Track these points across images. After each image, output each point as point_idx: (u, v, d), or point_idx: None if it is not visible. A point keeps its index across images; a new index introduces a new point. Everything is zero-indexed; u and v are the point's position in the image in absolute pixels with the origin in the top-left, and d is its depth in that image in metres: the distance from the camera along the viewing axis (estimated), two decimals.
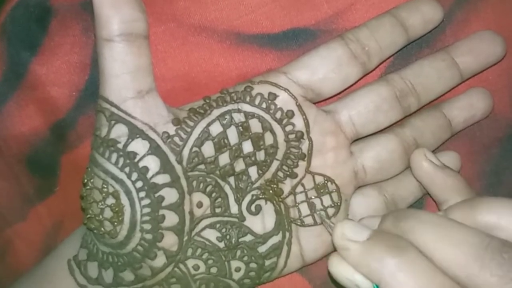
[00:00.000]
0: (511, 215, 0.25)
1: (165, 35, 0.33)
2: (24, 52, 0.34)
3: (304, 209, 0.32)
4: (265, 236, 0.32)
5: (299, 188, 0.32)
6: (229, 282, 0.32)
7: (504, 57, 0.33)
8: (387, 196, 0.33)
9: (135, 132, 0.29)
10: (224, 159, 0.31)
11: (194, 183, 0.30)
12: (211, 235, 0.31)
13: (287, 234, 0.32)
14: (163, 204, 0.29)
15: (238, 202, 0.31)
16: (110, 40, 0.28)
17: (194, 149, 0.30)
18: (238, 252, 0.32)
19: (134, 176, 0.29)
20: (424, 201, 0.35)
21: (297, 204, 0.32)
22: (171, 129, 0.30)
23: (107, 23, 0.28)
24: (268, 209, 0.32)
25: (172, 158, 0.30)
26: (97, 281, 0.31)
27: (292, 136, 0.31)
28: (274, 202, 0.32)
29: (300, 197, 0.32)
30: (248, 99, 0.31)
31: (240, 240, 0.31)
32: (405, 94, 0.32)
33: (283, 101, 0.31)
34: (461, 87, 0.34)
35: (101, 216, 0.29)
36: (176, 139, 0.30)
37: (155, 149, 0.29)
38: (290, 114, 0.31)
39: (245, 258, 0.32)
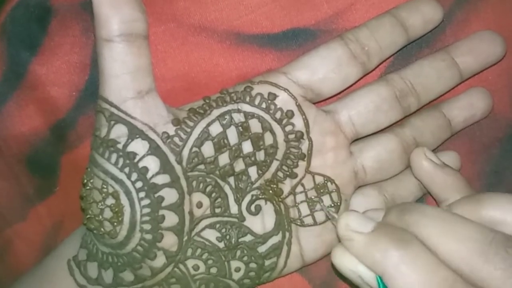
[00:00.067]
0: None
1: (165, 35, 0.33)
2: (24, 52, 0.34)
3: (304, 209, 0.32)
4: (265, 236, 0.32)
5: (299, 188, 0.32)
6: (229, 282, 0.32)
7: (504, 57, 0.33)
8: (387, 196, 0.33)
9: (134, 133, 0.29)
10: (224, 159, 0.31)
11: (194, 183, 0.30)
12: (211, 235, 0.31)
13: (287, 234, 0.32)
14: (163, 204, 0.29)
15: (238, 202, 0.31)
16: (109, 40, 0.28)
17: (194, 149, 0.30)
18: (238, 252, 0.32)
19: (134, 176, 0.29)
20: (424, 200, 0.35)
21: (297, 204, 0.32)
22: (171, 129, 0.30)
23: (107, 23, 0.28)
24: (268, 209, 0.32)
25: (172, 158, 0.30)
26: (97, 281, 0.31)
27: (292, 136, 0.31)
28: (274, 202, 0.32)
29: (300, 197, 0.32)
30: (248, 99, 0.31)
31: (240, 240, 0.31)
32: (405, 94, 0.32)
33: (283, 101, 0.31)
34: (461, 87, 0.34)
35: (101, 217, 0.29)
36: (176, 139, 0.30)
37: (155, 150, 0.29)
38: (290, 114, 0.31)
39: (245, 258, 0.32)
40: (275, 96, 0.31)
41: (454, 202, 0.27)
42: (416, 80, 0.33)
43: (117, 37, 0.28)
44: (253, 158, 0.31)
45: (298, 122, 0.31)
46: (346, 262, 0.25)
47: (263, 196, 0.32)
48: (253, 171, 0.31)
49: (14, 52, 0.34)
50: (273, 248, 0.32)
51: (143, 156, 0.29)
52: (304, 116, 0.31)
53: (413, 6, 0.32)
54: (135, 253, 0.30)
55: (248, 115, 0.31)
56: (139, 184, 0.29)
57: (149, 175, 0.29)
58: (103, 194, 0.29)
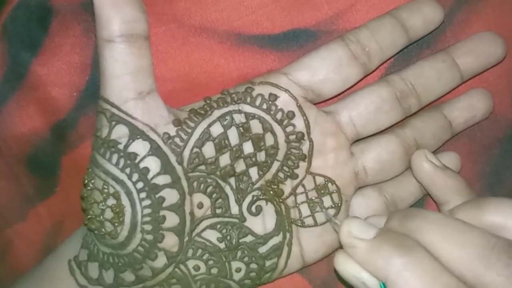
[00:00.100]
0: None
1: (166, 35, 0.33)
2: (25, 53, 0.34)
3: (305, 209, 0.32)
4: (266, 237, 0.32)
5: (300, 189, 0.32)
6: (229, 282, 0.32)
7: (504, 58, 0.33)
8: (387, 197, 0.33)
9: (135, 133, 0.29)
10: (224, 160, 0.31)
11: (195, 184, 0.30)
12: (212, 235, 0.31)
13: (288, 235, 0.32)
14: (164, 205, 0.29)
15: (239, 202, 0.31)
16: (111, 41, 0.28)
17: (195, 150, 0.30)
18: (239, 253, 0.32)
19: (135, 177, 0.29)
20: (425, 201, 0.35)
21: (297, 205, 0.32)
22: (172, 130, 0.30)
23: (108, 24, 0.28)
24: (269, 209, 0.32)
25: (172, 159, 0.30)
26: (97, 282, 0.31)
27: (292, 137, 0.31)
28: (275, 202, 0.32)
29: (301, 198, 0.32)
30: (248, 100, 0.31)
31: (240, 240, 0.31)
32: (405, 95, 0.32)
33: (284, 102, 0.31)
34: (461, 88, 0.34)
35: (101, 217, 0.29)
36: (177, 140, 0.30)
37: (155, 150, 0.29)
38: (290, 115, 0.31)
39: (246, 259, 0.32)
40: (276, 97, 0.31)
41: (455, 207, 0.27)
42: (417, 81, 0.33)
43: (118, 37, 0.28)
44: (254, 159, 0.31)
45: (299, 123, 0.31)
46: (349, 268, 0.25)
47: (264, 197, 0.32)
48: (254, 172, 0.31)
49: (14, 52, 0.34)
50: (273, 248, 0.32)
51: (144, 157, 0.29)
52: (305, 117, 0.31)
53: (413, 7, 0.32)
54: (136, 253, 0.30)
55: (249, 116, 0.31)
56: (140, 185, 0.29)
57: (150, 175, 0.29)
58: (104, 195, 0.29)
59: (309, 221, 0.32)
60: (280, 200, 0.32)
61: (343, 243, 0.26)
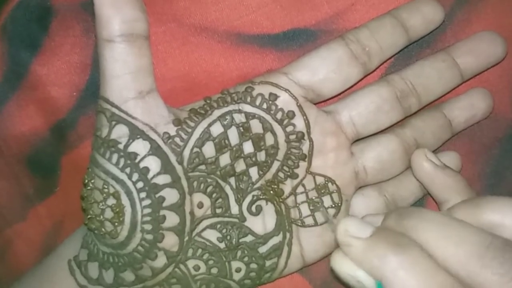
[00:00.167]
0: None
1: (166, 35, 0.33)
2: (25, 53, 0.34)
3: (305, 209, 0.32)
4: (266, 237, 0.32)
5: (300, 189, 0.32)
6: (229, 282, 0.32)
7: (504, 57, 0.33)
8: (387, 197, 0.33)
9: (135, 133, 0.29)
10: (225, 159, 0.31)
11: (195, 183, 0.30)
12: (212, 235, 0.31)
13: (288, 235, 0.32)
14: (164, 204, 0.29)
15: (239, 202, 0.31)
16: (111, 41, 0.28)
17: (195, 149, 0.30)
18: (239, 253, 0.32)
19: (135, 176, 0.29)
20: (425, 201, 0.35)
21: (297, 205, 0.32)
22: (172, 130, 0.30)
23: (108, 24, 0.28)
24: (269, 209, 0.32)
25: (173, 158, 0.30)
26: (97, 282, 0.31)
27: (292, 137, 0.31)
28: (275, 202, 0.32)
29: (301, 198, 0.32)
30: (249, 99, 0.31)
31: (240, 240, 0.31)
32: (405, 95, 0.32)
33: (284, 101, 0.31)
34: (461, 87, 0.34)
35: (101, 217, 0.29)
36: (177, 139, 0.30)
37: (155, 150, 0.29)
38: (290, 115, 0.31)
39: (246, 259, 0.32)
40: (276, 96, 0.31)
41: (453, 206, 0.27)
42: (417, 80, 0.33)
43: (118, 37, 0.28)
44: (254, 159, 0.31)
45: (299, 123, 0.31)
46: (345, 267, 0.25)
47: (264, 197, 0.32)
48: (254, 172, 0.31)
49: (14, 52, 0.34)
50: (273, 248, 0.32)
51: (144, 157, 0.29)
52: (305, 117, 0.31)
53: (414, 6, 0.32)
54: (136, 253, 0.30)
55: (249, 116, 0.31)
56: (140, 185, 0.29)
57: (150, 175, 0.29)
58: (104, 194, 0.29)
59: (309, 220, 0.32)
60: (280, 200, 0.32)
61: (339, 242, 0.26)
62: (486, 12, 0.34)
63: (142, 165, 0.29)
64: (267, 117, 0.31)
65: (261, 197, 0.32)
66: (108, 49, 0.29)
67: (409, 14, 0.32)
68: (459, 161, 0.34)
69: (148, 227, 0.29)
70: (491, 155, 0.35)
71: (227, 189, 0.31)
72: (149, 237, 0.29)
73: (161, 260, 0.30)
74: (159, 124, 0.30)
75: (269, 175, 0.32)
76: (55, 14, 0.34)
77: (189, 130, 0.30)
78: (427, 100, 0.33)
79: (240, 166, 0.31)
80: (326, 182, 0.32)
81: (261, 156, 0.31)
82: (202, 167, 0.30)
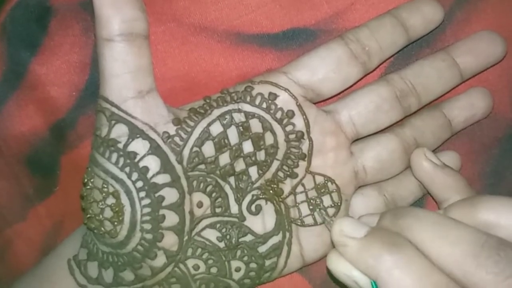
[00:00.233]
0: (510, 213, 0.25)
1: (165, 35, 0.34)
2: (24, 52, 0.34)
3: (304, 209, 0.32)
4: (265, 236, 0.32)
5: (300, 188, 0.32)
6: (229, 282, 0.32)
7: (504, 57, 0.33)
8: (387, 196, 0.33)
9: (135, 132, 0.29)
10: (224, 159, 0.31)
11: (195, 183, 0.30)
12: (211, 235, 0.31)
13: (287, 234, 0.32)
14: (163, 204, 0.29)
15: (238, 202, 0.31)
16: (110, 40, 0.28)
17: (195, 149, 0.30)
18: (238, 252, 0.32)
19: (135, 176, 0.29)
20: (424, 200, 0.35)
21: (297, 204, 0.32)
22: (172, 129, 0.30)
23: (108, 23, 0.28)
24: (268, 209, 0.32)
25: (172, 158, 0.30)
26: (97, 281, 0.31)
27: (292, 136, 0.31)
28: (275, 202, 0.32)
29: (300, 197, 0.32)
30: (248, 99, 0.31)
31: (240, 240, 0.31)
32: (405, 94, 0.32)
33: (284, 101, 0.31)
34: (461, 87, 0.34)
35: (101, 216, 0.29)
36: (177, 139, 0.30)
37: (155, 149, 0.29)
38: (290, 114, 0.31)
39: (245, 258, 0.32)
40: (275, 96, 0.31)
41: (450, 205, 0.27)
42: (417, 80, 0.33)
43: (118, 36, 0.28)
44: (253, 158, 0.31)
45: (298, 122, 0.31)
46: (340, 267, 0.25)
47: (263, 196, 0.32)
48: (253, 171, 0.31)
49: (14, 52, 0.34)
50: (273, 248, 0.32)
51: (144, 156, 0.29)
52: (304, 116, 0.31)
53: (413, 6, 0.32)
54: (136, 252, 0.30)
55: (248, 115, 0.31)
56: (139, 184, 0.29)
57: (149, 174, 0.29)
58: (104, 194, 0.29)
59: (309, 220, 0.32)
60: (280, 200, 0.32)
61: (334, 241, 0.26)
62: (486, 12, 0.34)
63: (141, 164, 0.29)
64: (267, 117, 0.31)
65: (260, 196, 0.32)
66: (107, 48, 0.29)
67: (409, 14, 0.32)
68: (458, 160, 0.34)
69: (147, 226, 0.29)
70: (491, 154, 0.35)
71: (227, 188, 0.31)
72: (149, 236, 0.29)
73: (160, 260, 0.30)
74: (158, 123, 0.30)
75: (268, 175, 0.32)
76: (54, 14, 0.34)
77: (189, 129, 0.30)
78: (427, 100, 0.33)
79: (240, 165, 0.31)
80: (326, 182, 0.32)
81: (261, 155, 0.31)
82: (202, 166, 0.30)
